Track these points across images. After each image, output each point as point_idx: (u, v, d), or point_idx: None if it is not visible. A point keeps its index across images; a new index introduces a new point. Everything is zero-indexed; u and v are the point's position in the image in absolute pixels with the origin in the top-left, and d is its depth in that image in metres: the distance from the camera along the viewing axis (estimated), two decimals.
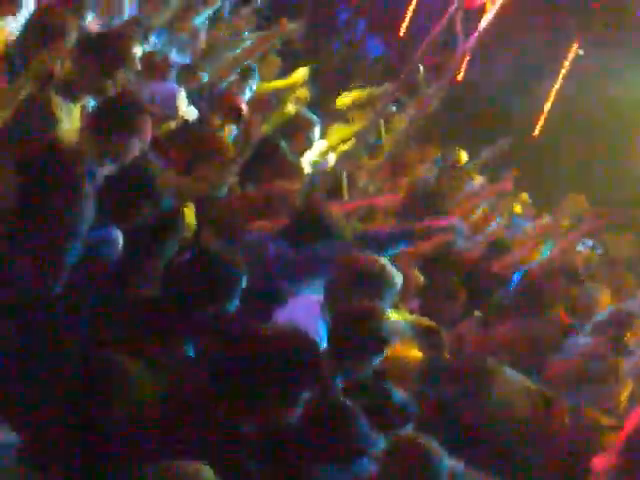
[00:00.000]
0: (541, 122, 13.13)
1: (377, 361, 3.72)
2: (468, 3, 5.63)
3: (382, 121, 6.59)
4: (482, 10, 5.76)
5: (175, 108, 4.93)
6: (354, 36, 13.34)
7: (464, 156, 8.61)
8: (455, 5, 5.53)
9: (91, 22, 5.24)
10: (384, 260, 4.11)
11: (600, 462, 4.42)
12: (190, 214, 4.53)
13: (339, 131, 6.91)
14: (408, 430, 3.61)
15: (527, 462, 4.13)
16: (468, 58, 8.33)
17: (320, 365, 3.06)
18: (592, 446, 4.47)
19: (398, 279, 4.13)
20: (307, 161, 6.34)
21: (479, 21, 5.74)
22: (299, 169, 5.49)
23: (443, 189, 7.51)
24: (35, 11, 4.49)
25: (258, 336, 3.00)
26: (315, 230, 4.23)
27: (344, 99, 7.38)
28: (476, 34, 5.63)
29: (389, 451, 3.19)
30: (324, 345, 3.63)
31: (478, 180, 8.25)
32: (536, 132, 13.13)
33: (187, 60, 5.96)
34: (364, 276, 3.99)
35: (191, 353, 3.33)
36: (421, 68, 5.78)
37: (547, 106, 13.07)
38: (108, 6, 5.68)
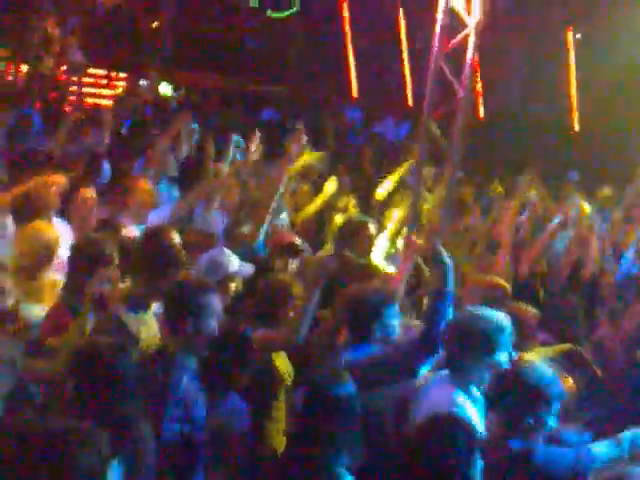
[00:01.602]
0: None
1: None
2: (446, 46, 5.69)
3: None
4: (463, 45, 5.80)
5: (222, 270, 5.01)
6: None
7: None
8: (435, 54, 5.59)
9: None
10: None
11: None
12: (282, 361, 4.56)
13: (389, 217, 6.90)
14: None
15: None
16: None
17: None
18: None
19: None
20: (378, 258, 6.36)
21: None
22: (373, 270, 5.50)
23: None
24: (76, 244, 4.71)
25: None
26: None
27: (383, 192, 7.37)
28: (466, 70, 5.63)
29: None
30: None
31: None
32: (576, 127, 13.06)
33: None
34: None
35: None
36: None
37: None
38: None
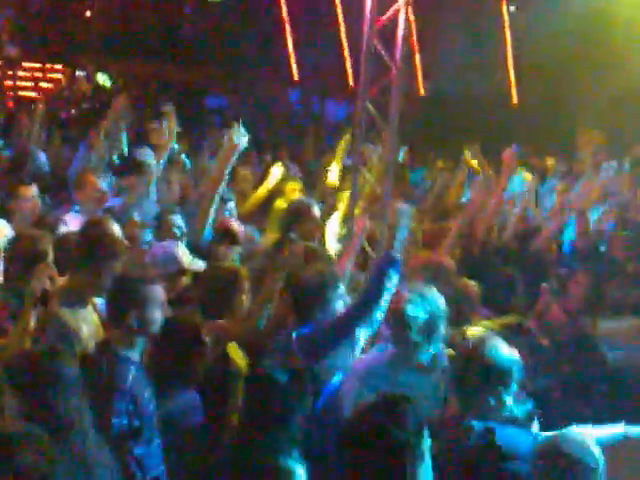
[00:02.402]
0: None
1: None
2: (377, 22, 5.67)
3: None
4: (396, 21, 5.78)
5: (176, 263, 5.01)
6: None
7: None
8: (367, 31, 5.57)
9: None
10: None
11: None
12: (236, 352, 4.55)
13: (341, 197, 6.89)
14: None
15: None
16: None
17: None
18: None
19: None
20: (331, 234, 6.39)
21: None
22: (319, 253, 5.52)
23: None
24: (10, 242, 4.63)
25: None
26: None
27: (334, 177, 7.36)
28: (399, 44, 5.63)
29: None
30: None
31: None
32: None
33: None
34: None
35: None
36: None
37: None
38: None
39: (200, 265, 5.07)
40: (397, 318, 4.17)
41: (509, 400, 3.70)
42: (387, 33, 5.90)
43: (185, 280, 5.10)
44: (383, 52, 5.68)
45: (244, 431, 3.53)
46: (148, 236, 5.56)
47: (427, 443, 2.91)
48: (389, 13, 5.57)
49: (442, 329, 4.24)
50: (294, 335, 4.31)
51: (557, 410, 4.45)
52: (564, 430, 3.42)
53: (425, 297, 4.20)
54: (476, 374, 3.67)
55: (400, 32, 5.56)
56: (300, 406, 3.54)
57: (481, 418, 3.62)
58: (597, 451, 3.28)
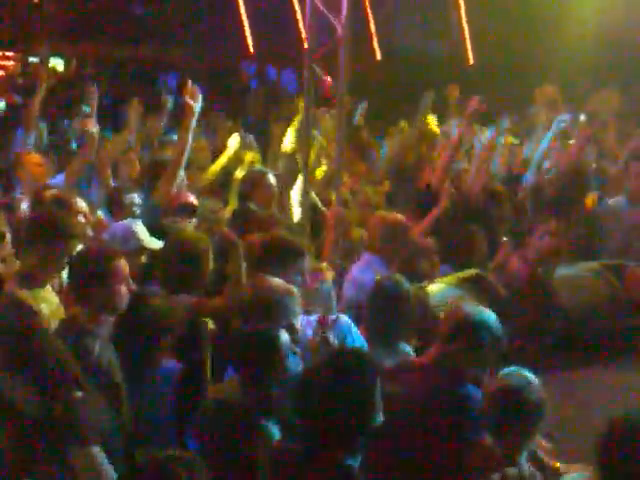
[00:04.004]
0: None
1: None
2: None
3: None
4: None
5: (136, 241, 5.00)
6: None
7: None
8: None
9: None
10: None
11: None
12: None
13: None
14: None
15: None
16: None
17: None
18: None
19: None
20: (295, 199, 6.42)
21: None
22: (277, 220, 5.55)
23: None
24: None
25: None
26: None
27: (289, 145, 7.35)
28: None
29: None
30: None
31: None
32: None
33: None
34: None
35: None
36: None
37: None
38: None
39: (158, 244, 5.06)
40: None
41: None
42: None
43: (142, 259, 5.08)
44: (329, 15, 5.69)
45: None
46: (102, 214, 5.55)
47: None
48: None
49: None
50: None
51: (517, 357, 4.53)
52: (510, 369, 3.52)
53: None
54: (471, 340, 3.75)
55: None
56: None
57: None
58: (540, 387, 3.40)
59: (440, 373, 3.68)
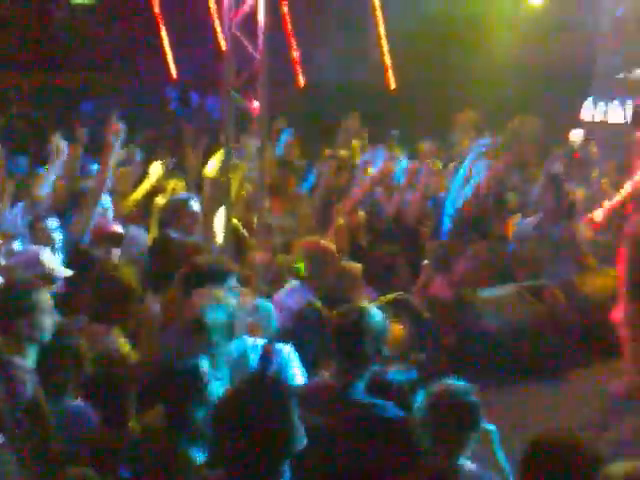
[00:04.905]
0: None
1: None
2: (235, 13, 5.70)
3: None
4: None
5: (41, 268, 4.88)
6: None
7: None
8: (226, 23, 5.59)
9: None
10: None
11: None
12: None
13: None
14: None
15: None
16: None
17: None
18: None
19: None
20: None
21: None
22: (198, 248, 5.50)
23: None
24: None
25: None
26: None
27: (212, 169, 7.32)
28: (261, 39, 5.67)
29: None
30: None
31: None
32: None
33: None
34: None
35: None
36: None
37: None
38: None
39: (68, 272, 4.97)
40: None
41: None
42: (254, 25, 5.93)
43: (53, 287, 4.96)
44: (247, 44, 5.71)
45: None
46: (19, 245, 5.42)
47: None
48: (248, 3, 5.59)
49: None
50: None
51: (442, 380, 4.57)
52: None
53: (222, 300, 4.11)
54: (363, 341, 3.75)
55: (261, 20, 5.58)
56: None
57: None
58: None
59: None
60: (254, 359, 4.15)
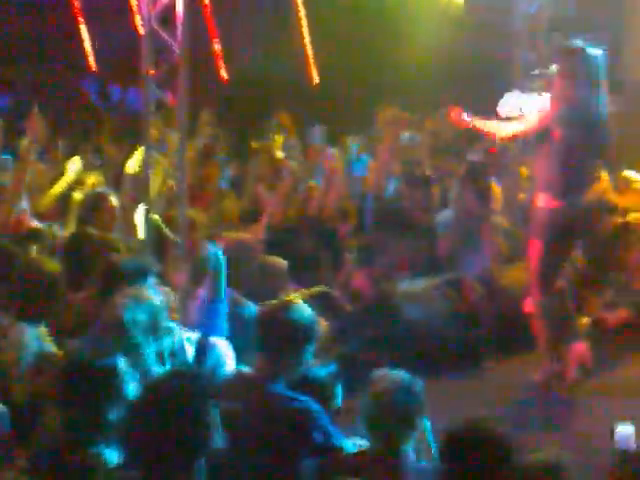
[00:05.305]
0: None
1: None
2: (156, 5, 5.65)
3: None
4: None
5: None
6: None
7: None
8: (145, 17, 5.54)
9: None
10: None
11: None
12: None
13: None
14: None
15: None
16: None
17: None
18: None
19: None
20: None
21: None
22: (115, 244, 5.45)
23: None
24: None
25: None
26: None
27: (133, 166, 7.22)
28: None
29: None
30: None
31: None
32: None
33: None
34: None
35: None
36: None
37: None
38: None
39: None
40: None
41: (309, 357, 3.82)
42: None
43: None
44: (166, 37, 5.67)
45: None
46: None
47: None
48: None
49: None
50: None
51: (363, 372, 4.61)
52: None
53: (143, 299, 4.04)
54: (283, 335, 3.74)
55: (179, 11, 5.54)
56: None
57: (284, 376, 3.72)
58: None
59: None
60: (190, 353, 4.13)
